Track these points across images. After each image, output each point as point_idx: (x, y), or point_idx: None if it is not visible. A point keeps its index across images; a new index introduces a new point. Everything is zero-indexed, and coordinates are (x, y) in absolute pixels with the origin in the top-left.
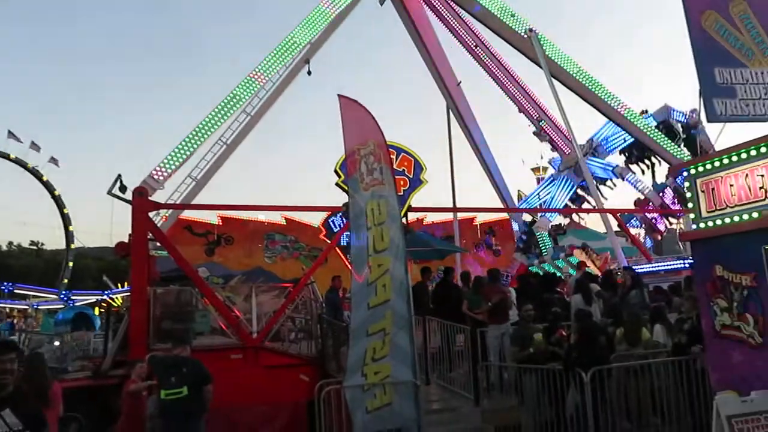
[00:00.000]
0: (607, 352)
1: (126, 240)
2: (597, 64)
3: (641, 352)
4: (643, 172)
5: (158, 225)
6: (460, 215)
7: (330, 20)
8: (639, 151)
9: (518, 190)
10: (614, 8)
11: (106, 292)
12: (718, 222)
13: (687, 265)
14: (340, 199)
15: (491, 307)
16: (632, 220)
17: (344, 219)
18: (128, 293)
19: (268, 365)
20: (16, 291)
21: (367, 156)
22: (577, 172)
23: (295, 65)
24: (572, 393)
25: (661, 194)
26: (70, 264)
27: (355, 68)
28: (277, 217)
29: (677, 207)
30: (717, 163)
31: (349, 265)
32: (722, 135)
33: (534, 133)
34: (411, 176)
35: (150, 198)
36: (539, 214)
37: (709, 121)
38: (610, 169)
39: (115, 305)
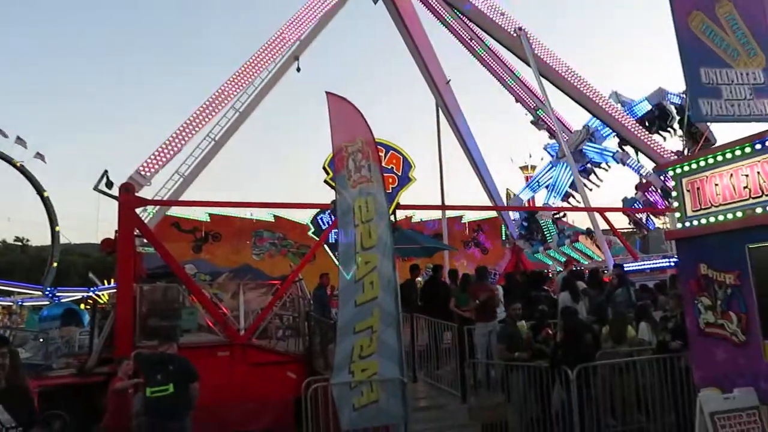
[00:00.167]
0: (593, 350)
1: (112, 236)
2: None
3: (626, 349)
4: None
5: (145, 221)
6: (449, 213)
7: (320, 17)
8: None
9: (507, 189)
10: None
11: (92, 288)
12: (703, 221)
13: (672, 264)
14: (328, 196)
15: (479, 304)
16: (635, 205)
17: (332, 216)
18: (114, 290)
19: (255, 362)
20: (0, 287)
21: (355, 153)
22: (576, 158)
23: (284, 62)
24: (557, 390)
25: (663, 177)
26: (55, 264)
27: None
28: (265, 215)
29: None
30: (702, 163)
31: (337, 263)
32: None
33: (531, 122)
34: (400, 174)
35: (137, 194)
36: (542, 203)
37: (694, 120)
38: (610, 154)
39: (101, 302)
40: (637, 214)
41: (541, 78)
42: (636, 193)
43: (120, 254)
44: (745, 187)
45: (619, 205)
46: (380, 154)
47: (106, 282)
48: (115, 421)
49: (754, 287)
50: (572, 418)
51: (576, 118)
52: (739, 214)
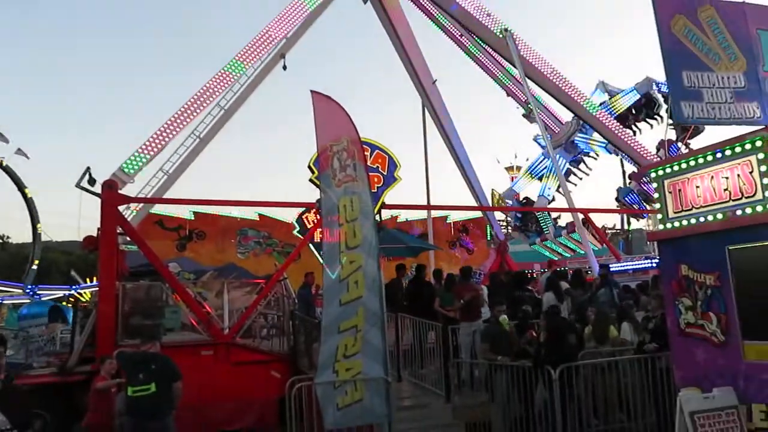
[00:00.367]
0: (576, 350)
1: (95, 234)
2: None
3: (609, 349)
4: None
5: (128, 219)
6: (434, 213)
7: (306, 15)
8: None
9: (492, 189)
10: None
11: (73, 287)
12: (684, 222)
13: (654, 265)
14: (314, 195)
15: (463, 304)
16: (630, 195)
17: (318, 215)
18: (97, 288)
19: (239, 362)
20: None
21: (340, 152)
22: (567, 149)
23: (270, 59)
24: (540, 389)
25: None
26: (36, 262)
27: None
28: (250, 213)
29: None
30: (684, 165)
31: (322, 262)
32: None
33: (523, 115)
34: (385, 173)
35: (120, 191)
36: (538, 194)
37: (676, 122)
38: (604, 145)
39: (83, 300)
40: (629, 202)
41: (527, 79)
42: (630, 183)
43: (102, 252)
44: (725, 190)
45: (613, 196)
46: (366, 153)
47: (88, 280)
48: (96, 420)
49: (734, 288)
50: (554, 417)
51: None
52: (719, 216)
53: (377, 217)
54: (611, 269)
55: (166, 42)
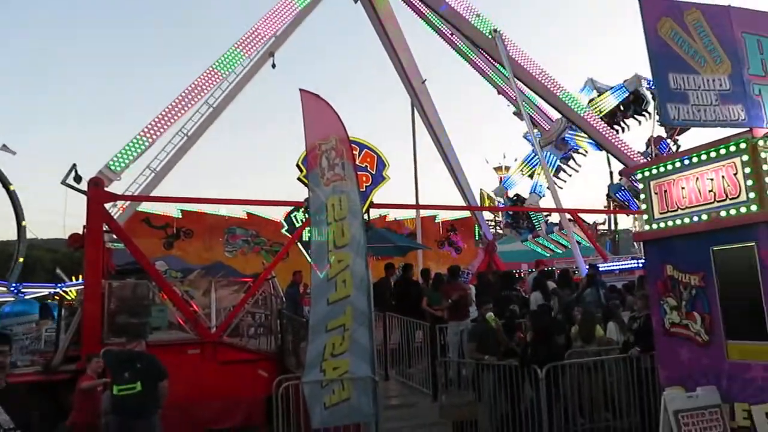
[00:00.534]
0: (563, 350)
1: (80, 232)
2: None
3: (595, 349)
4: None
5: (115, 217)
6: (423, 213)
7: (296, 13)
8: (610, 120)
9: (480, 189)
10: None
11: (59, 285)
12: (670, 223)
13: (641, 265)
14: (302, 193)
15: (451, 304)
16: (621, 191)
17: (306, 214)
18: (82, 286)
19: (226, 360)
20: None
21: (329, 151)
22: (558, 146)
23: (259, 57)
24: (527, 388)
25: (630, 180)
26: (21, 260)
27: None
28: (238, 211)
29: None
30: (670, 166)
31: (310, 261)
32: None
33: (514, 113)
34: (373, 172)
35: (106, 189)
36: (529, 191)
37: (662, 123)
38: (594, 143)
39: (69, 298)
40: (620, 198)
41: (516, 79)
42: (620, 179)
43: (88, 250)
44: (710, 191)
45: (603, 192)
46: (354, 152)
47: (74, 278)
48: (81, 420)
49: (718, 288)
50: (541, 416)
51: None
52: (704, 216)
53: (365, 217)
54: (599, 269)
55: (161, 39)
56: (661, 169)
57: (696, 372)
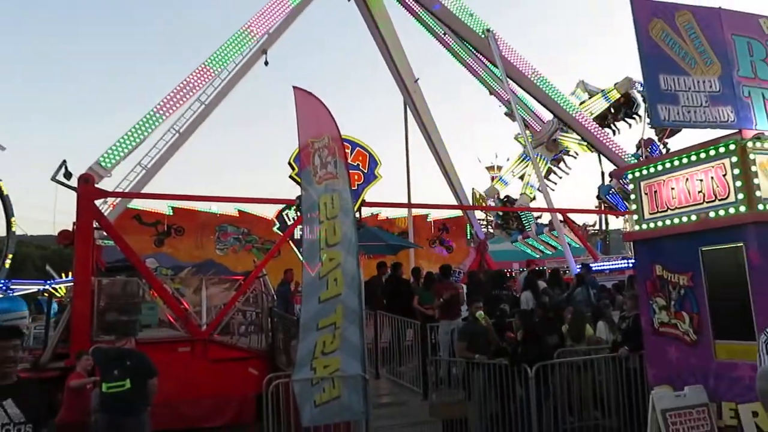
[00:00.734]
0: (553, 349)
1: (70, 228)
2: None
3: (584, 348)
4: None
5: (106, 213)
6: (414, 212)
7: (289, 11)
8: (601, 123)
9: (473, 188)
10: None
11: (48, 281)
12: (660, 223)
13: (631, 265)
14: (294, 191)
15: (443, 303)
16: (610, 193)
17: (298, 212)
18: (72, 283)
19: (216, 358)
20: None
21: (322, 149)
22: (549, 148)
23: (251, 55)
24: (518, 388)
25: (621, 181)
26: (10, 256)
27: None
28: (229, 209)
29: None
30: (660, 167)
31: (301, 259)
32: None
33: (506, 114)
34: (366, 171)
35: (97, 185)
36: (519, 192)
37: (652, 124)
38: (585, 144)
39: (58, 295)
40: (609, 200)
41: (509, 80)
42: (611, 180)
43: (78, 247)
44: (699, 192)
45: (594, 194)
46: (346, 150)
47: (63, 275)
48: (71, 418)
49: (707, 289)
50: (530, 414)
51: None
52: (693, 217)
53: (357, 215)
54: (592, 269)
55: (154, 35)
56: (651, 170)
57: (684, 371)
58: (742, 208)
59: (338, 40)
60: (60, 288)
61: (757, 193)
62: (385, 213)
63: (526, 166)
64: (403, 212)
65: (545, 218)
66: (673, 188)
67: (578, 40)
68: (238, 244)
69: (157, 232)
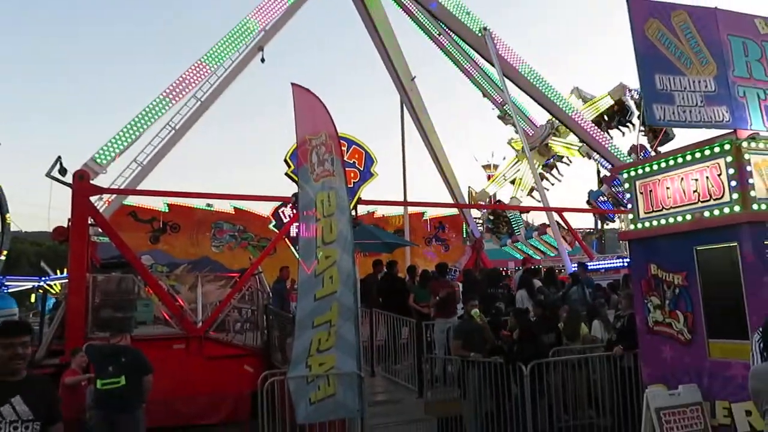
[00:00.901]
0: (548, 349)
1: (65, 224)
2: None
3: (579, 346)
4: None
5: (101, 210)
6: (411, 209)
7: (286, 8)
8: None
9: (469, 186)
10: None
11: (43, 278)
12: (654, 223)
13: (626, 264)
14: (290, 189)
15: (439, 301)
16: (600, 197)
17: (294, 209)
18: (67, 280)
19: (211, 356)
20: None
21: (319, 146)
22: (541, 153)
23: (248, 52)
24: (513, 386)
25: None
26: (5, 252)
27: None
28: (225, 206)
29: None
30: (655, 167)
31: (297, 256)
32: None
33: (498, 116)
34: (362, 169)
35: (92, 182)
36: (510, 196)
37: (648, 124)
38: (576, 148)
39: (53, 292)
40: (600, 206)
41: (505, 79)
42: (601, 186)
43: (73, 243)
44: (694, 191)
45: (584, 199)
46: (342, 148)
47: (58, 271)
48: (65, 414)
49: (701, 288)
50: (525, 412)
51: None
52: (688, 216)
53: (352, 213)
54: (588, 267)
55: (148, 31)
56: (647, 169)
57: (678, 370)
58: (737, 208)
59: (335, 37)
60: (55, 284)
61: (752, 193)
62: (381, 211)
63: (517, 171)
64: (399, 210)
65: (536, 221)
66: (668, 188)
67: (578, 40)
68: (234, 241)
69: (153, 229)
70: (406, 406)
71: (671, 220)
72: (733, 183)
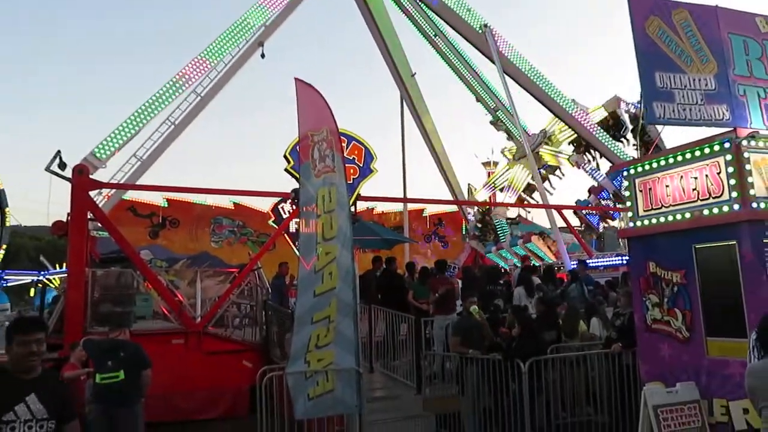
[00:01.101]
0: (546, 346)
1: (64, 219)
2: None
3: (578, 344)
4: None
5: (100, 205)
6: (410, 206)
7: (286, 3)
8: (586, 144)
9: (468, 184)
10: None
11: (42, 272)
12: (654, 221)
13: (625, 262)
14: (289, 184)
15: (438, 297)
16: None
17: (293, 205)
18: (66, 274)
19: (210, 351)
20: None
21: (320, 142)
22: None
23: (248, 47)
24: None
25: (616, 181)
26: (4, 247)
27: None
28: (225, 201)
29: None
30: (655, 165)
31: (296, 252)
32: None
33: (491, 122)
34: (361, 165)
35: (91, 176)
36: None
37: (648, 122)
38: (565, 157)
39: (52, 286)
40: (588, 217)
41: (505, 76)
42: (589, 196)
43: (72, 238)
44: (693, 189)
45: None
46: (342, 144)
47: (57, 266)
48: None
49: (699, 286)
50: (523, 409)
51: (535, 120)
52: (687, 215)
53: (352, 209)
54: (588, 265)
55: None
56: (647, 167)
57: (676, 368)
58: (736, 207)
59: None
60: (54, 279)
61: (751, 192)
62: (380, 207)
63: (506, 180)
64: (398, 207)
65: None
66: (667, 186)
67: (578, 40)
68: (233, 236)
69: (152, 224)
70: (404, 403)
71: (670, 218)
72: (733, 181)
